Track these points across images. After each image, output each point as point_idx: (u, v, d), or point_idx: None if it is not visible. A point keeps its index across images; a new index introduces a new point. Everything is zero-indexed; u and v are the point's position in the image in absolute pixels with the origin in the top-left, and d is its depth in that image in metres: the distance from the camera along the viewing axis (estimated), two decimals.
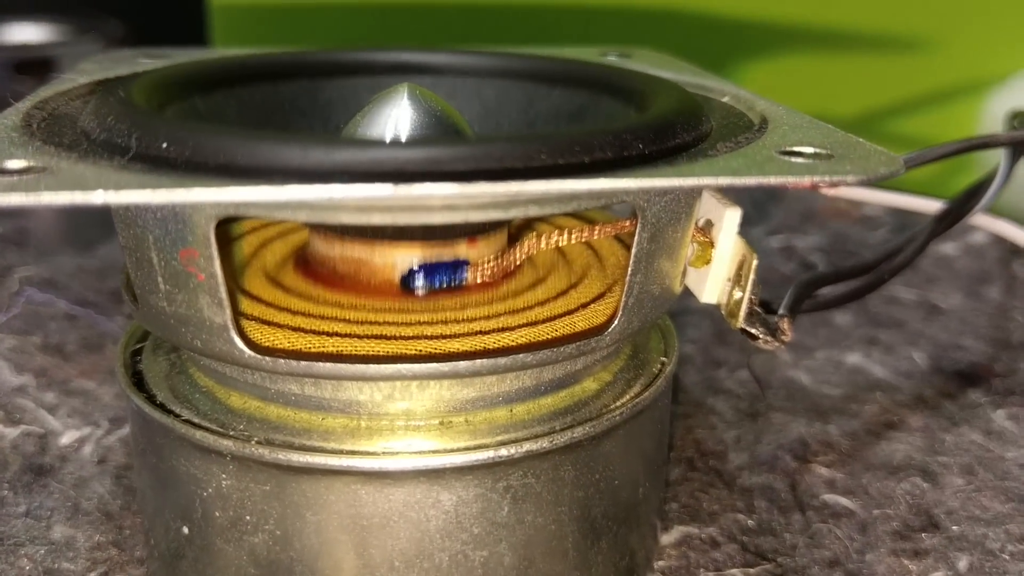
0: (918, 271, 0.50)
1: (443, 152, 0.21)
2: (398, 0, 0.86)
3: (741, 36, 0.77)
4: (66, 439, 0.35)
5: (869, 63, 0.72)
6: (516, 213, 0.22)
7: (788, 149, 0.23)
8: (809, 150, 0.23)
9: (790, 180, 0.21)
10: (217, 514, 0.25)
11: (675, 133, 0.23)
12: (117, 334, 0.29)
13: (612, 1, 0.81)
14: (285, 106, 0.31)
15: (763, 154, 0.23)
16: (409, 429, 0.24)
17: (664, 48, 0.38)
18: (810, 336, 0.44)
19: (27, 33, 0.74)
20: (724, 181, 0.21)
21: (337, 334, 0.24)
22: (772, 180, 0.21)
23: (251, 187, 0.19)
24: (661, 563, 0.30)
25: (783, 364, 0.41)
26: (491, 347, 0.24)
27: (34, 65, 0.66)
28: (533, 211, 0.22)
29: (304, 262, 0.28)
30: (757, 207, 0.60)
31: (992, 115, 0.67)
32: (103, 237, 0.52)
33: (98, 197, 0.19)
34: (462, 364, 0.23)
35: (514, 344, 0.24)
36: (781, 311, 0.28)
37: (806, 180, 0.21)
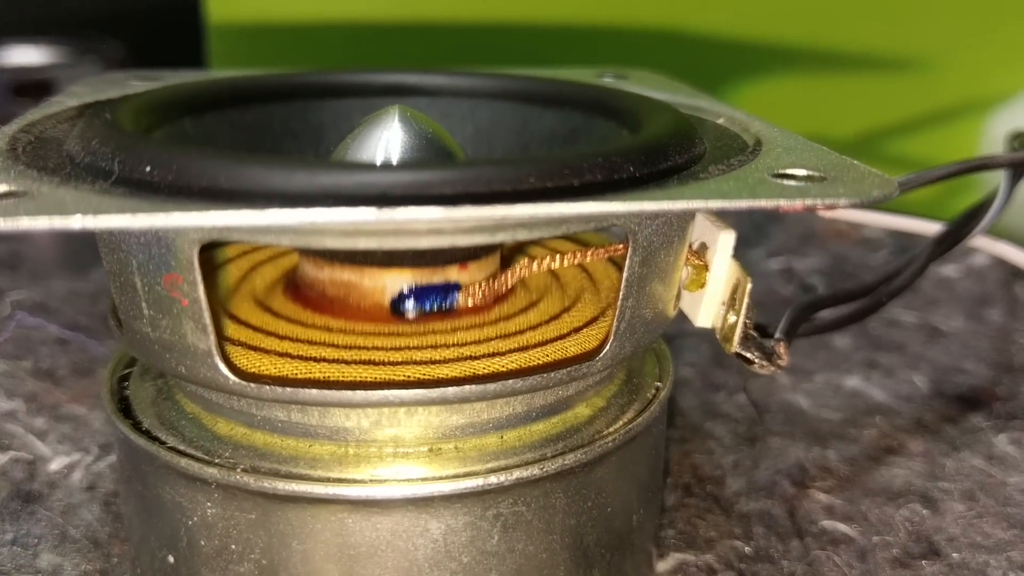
0: (919, 293, 0.50)
1: (429, 176, 0.20)
2: (396, 21, 0.86)
3: (739, 57, 0.77)
4: (55, 465, 0.34)
5: (869, 84, 0.72)
6: (504, 237, 0.22)
7: (781, 172, 0.22)
8: (802, 172, 0.22)
9: (782, 203, 0.21)
10: (202, 543, 0.24)
11: (667, 155, 0.23)
12: (109, 359, 0.29)
13: (609, 22, 0.81)
14: (276, 128, 0.31)
15: (755, 177, 0.22)
16: (397, 456, 0.24)
17: (661, 69, 0.37)
18: (809, 359, 0.43)
19: (26, 55, 0.74)
20: (715, 204, 0.20)
21: (324, 359, 0.24)
22: (763, 203, 0.20)
23: (232, 211, 0.19)
24: None
25: (781, 388, 0.41)
26: (480, 373, 0.23)
27: (33, 87, 0.66)
28: (522, 235, 0.22)
29: (294, 286, 0.28)
30: (756, 228, 0.60)
31: (993, 136, 0.67)
32: (97, 261, 0.51)
33: (76, 222, 0.18)
34: (451, 390, 0.23)
35: (504, 370, 0.24)
36: (777, 335, 0.28)
37: (798, 203, 0.20)
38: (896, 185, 0.22)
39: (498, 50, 0.85)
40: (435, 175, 0.20)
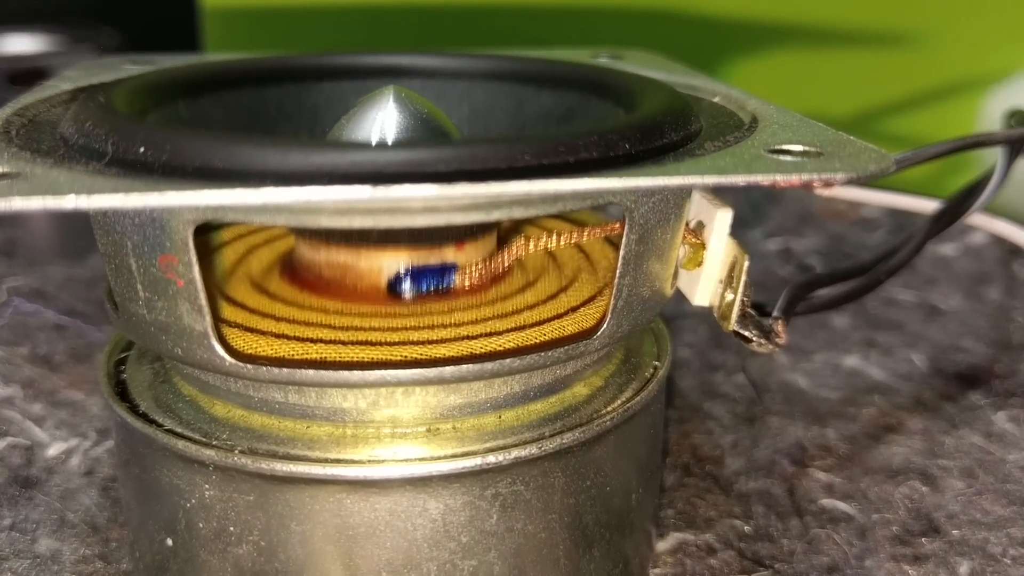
0: (917, 272, 0.50)
1: (424, 154, 0.20)
2: (391, 4, 0.86)
3: (735, 36, 0.76)
4: (53, 451, 0.34)
5: (866, 62, 0.71)
6: (500, 215, 0.22)
7: (777, 147, 0.22)
8: (798, 148, 0.22)
9: (778, 178, 0.20)
10: (201, 525, 0.24)
11: (662, 133, 0.23)
12: (106, 344, 0.29)
13: (605, 3, 0.81)
14: (271, 111, 0.31)
15: (751, 152, 0.22)
16: (395, 437, 0.24)
17: (657, 49, 0.37)
18: (808, 339, 0.43)
19: (21, 44, 0.73)
20: (711, 180, 0.20)
21: (321, 340, 0.24)
22: (759, 178, 0.20)
23: (226, 190, 0.19)
24: (657, 571, 0.29)
25: (780, 367, 0.41)
26: (478, 352, 0.23)
27: (29, 75, 0.66)
28: (518, 213, 0.22)
29: (290, 268, 0.28)
30: (754, 209, 0.59)
31: (990, 115, 0.67)
32: (94, 247, 0.51)
33: (70, 202, 0.18)
34: (448, 369, 0.23)
35: (501, 349, 0.24)
36: (775, 313, 0.28)
37: (794, 178, 0.20)
38: (892, 160, 0.21)
39: (493, 32, 0.85)
40: (430, 153, 0.20)
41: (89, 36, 0.71)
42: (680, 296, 0.28)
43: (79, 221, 0.50)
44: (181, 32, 0.85)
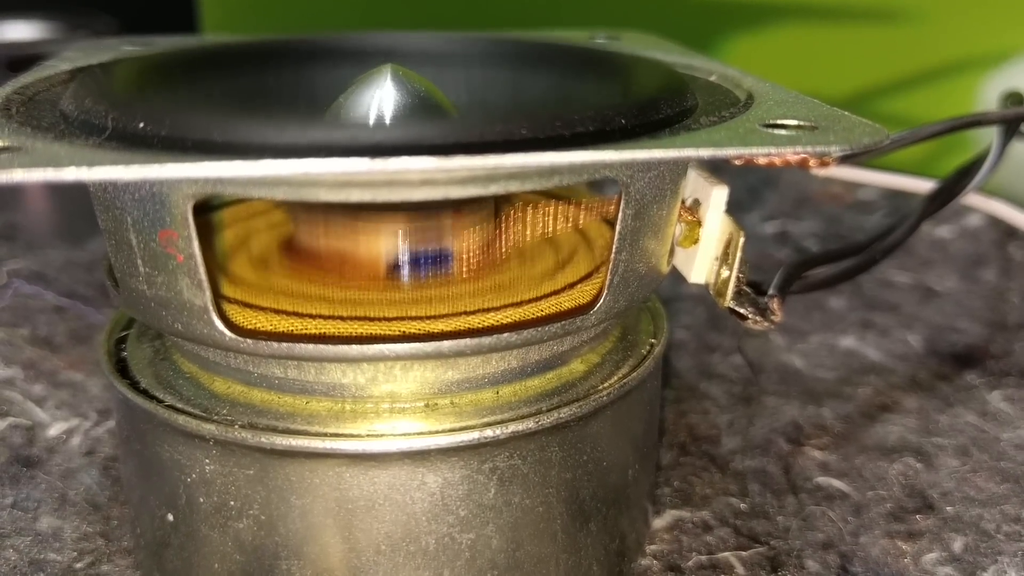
0: (913, 254, 0.50)
1: (422, 127, 0.20)
2: None
3: (732, 16, 0.76)
4: (54, 431, 0.35)
5: (864, 42, 0.71)
6: (497, 189, 0.22)
7: (772, 122, 0.22)
8: (793, 122, 0.22)
9: (772, 152, 0.21)
10: (201, 500, 0.24)
11: (658, 108, 0.23)
12: (106, 325, 0.29)
13: None
14: (269, 92, 0.31)
15: (746, 127, 0.22)
16: (394, 412, 0.24)
17: (654, 30, 0.37)
18: (804, 320, 0.43)
19: (18, 31, 0.73)
20: (706, 152, 0.20)
21: (320, 316, 0.24)
22: (754, 151, 0.21)
23: (225, 162, 0.19)
24: (653, 547, 0.29)
25: (776, 348, 0.41)
26: (475, 327, 0.24)
27: (26, 63, 0.66)
28: (514, 186, 0.22)
29: (290, 247, 0.28)
30: (751, 192, 0.60)
31: (988, 96, 0.67)
32: (93, 230, 0.51)
33: (70, 174, 0.18)
34: (446, 344, 0.23)
35: (499, 324, 0.24)
36: (771, 291, 0.28)
37: (788, 151, 0.20)
38: (886, 133, 0.22)
39: (491, 14, 0.85)
40: (427, 127, 0.20)
41: (87, 24, 0.71)
42: (678, 278, 0.28)
43: (79, 205, 0.50)
44: (178, 20, 0.85)
